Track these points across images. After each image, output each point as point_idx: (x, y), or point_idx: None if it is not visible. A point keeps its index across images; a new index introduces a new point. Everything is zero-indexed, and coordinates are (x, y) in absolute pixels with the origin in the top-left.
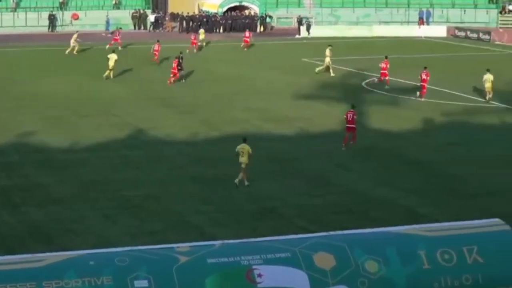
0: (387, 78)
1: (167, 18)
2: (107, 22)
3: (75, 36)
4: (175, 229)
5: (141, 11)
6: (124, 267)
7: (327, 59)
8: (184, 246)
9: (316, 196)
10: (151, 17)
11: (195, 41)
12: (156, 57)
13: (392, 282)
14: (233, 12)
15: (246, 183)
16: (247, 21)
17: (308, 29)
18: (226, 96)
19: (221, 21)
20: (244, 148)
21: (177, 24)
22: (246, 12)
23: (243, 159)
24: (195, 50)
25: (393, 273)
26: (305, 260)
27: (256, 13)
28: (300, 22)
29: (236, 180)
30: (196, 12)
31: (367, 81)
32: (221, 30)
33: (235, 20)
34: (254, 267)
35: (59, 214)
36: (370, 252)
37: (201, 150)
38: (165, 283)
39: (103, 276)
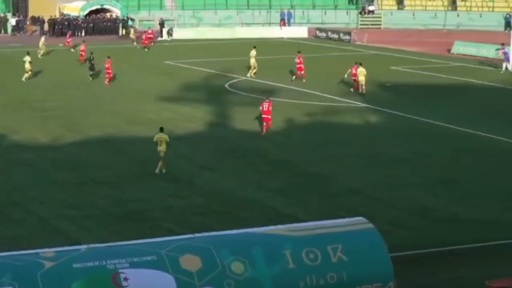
0: (303, 72)
1: (27, 22)
2: None
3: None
4: (40, 235)
5: (1, 15)
6: None
7: (253, 60)
8: (49, 251)
9: (182, 197)
10: (12, 21)
11: (69, 40)
12: (82, 58)
13: (258, 282)
14: (95, 15)
15: (164, 170)
16: (109, 24)
17: (170, 31)
18: (89, 100)
19: (83, 25)
20: (162, 137)
21: (38, 27)
22: (108, 15)
23: (162, 148)
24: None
25: (259, 273)
26: (172, 263)
27: (118, 16)
28: (162, 25)
29: (157, 170)
30: (58, 16)
31: (230, 82)
32: (83, 34)
33: (97, 23)
34: (120, 270)
35: None
36: (236, 253)
37: (65, 154)
38: None
39: None
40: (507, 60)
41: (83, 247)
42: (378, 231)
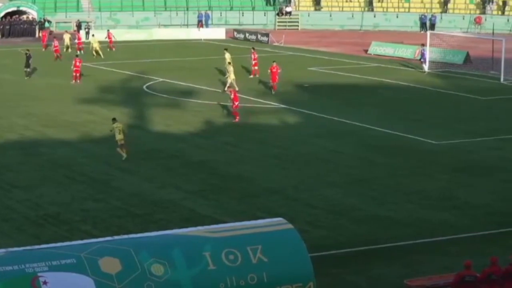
0: (256, 68)
1: None
2: None
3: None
4: None
5: None
6: None
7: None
8: None
9: (99, 200)
10: None
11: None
12: (58, 54)
13: (179, 284)
14: (11, 17)
15: (125, 156)
16: (25, 26)
17: (87, 33)
18: (4, 101)
19: None
20: (117, 126)
21: None
22: (24, 17)
23: (120, 137)
24: None
25: (179, 275)
26: (91, 265)
27: (35, 18)
28: (79, 27)
29: (124, 158)
30: None
31: (148, 84)
32: None
33: (13, 26)
34: (39, 274)
35: None
36: (155, 255)
37: None
38: None
39: None
40: (424, 60)
41: (1, 251)
42: (297, 232)
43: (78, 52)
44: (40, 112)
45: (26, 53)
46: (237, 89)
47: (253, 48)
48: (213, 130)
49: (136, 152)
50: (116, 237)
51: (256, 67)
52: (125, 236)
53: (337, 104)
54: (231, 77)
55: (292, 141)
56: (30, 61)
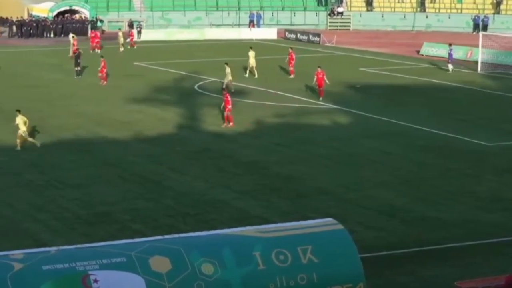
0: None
1: None
2: None
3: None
4: (9, 237)
5: None
6: None
7: (252, 60)
8: (18, 253)
9: (150, 199)
10: None
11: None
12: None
13: (228, 284)
14: (63, 17)
15: (18, 148)
16: (77, 25)
17: (139, 33)
18: (58, 100)
19: (51, 26)
20: (22, 118)
21: (7, 29)
22: (77, 16)
23: (23, 129)
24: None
25: (229, 275)
26: (141, 264)
27: (87, 17)
28: (131, 26)
29: (38, 145)
30: (26, 17)
31: (200, 83)
32: (52, 35)
33: (66, 25)
34: (90, 272)
35: None
36: (205, 254)
37: (33, 156)
38: None
39: None
40: (451, 60)
41: (53, 249)
42: (348, 232)
43: (94, 50)
44: (91, 111)
45: (75, 53)
46: (233, 90)
47: (291, 48)
48: (264, 130)
49: (188, 152)
50: (166, 236)
51: (291, 67)
52: (176, 235)
53: (387, 105)
54: (228, 77)
55: (342, 142)
56: (79, 60)
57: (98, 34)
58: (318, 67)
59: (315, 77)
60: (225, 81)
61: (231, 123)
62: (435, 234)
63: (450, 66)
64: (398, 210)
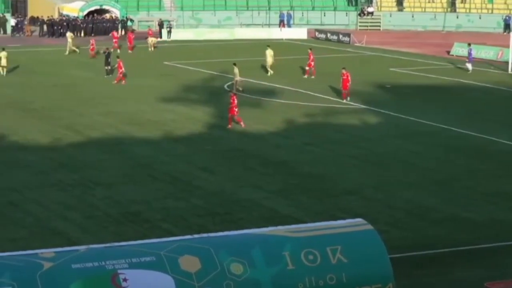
0: (312, 68)
1: (26, 22)
2: None
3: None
4: (39, 236)
5: (1, 15)
6: None
7: (270, 59)
8: (48, 252)
9: (180, 199)
10: (12, 21)
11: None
12: (92, 53)
13: (258, 283)
14: (93, 16)
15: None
16: (108, 24)
17: (169, 32)
18: (88, 100)
19: (82, 25)
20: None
21: (37, 28)
22: (107, 15)
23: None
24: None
25: (258, 274)
26: (171, 264)
27: (117, 17)
28: (161, 25)
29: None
30: (56, 16)
31: (229, 83)
32: (82, 34)
33: (96, 24)
34: (119, 271)
35: None
36: (235, 254)
37: (63, 155)
38: None
39: None
40: (470, 60)
41: (82, 247)
42: (377, 232)
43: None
44: (121, 110)
45: (105, 52)
46: (241, 89)
47: (310, 49)
48: (294, 130)
49: (217, 151)
50: (196, 236)
51: (311, 67)
52: (205, 235)
53: (417, 105)
54: (236, 78)
55: (372, 142)
56: (109, 60)
57: (131, 35)
58: (343, 68)
59: (341, 78)
60: (236, 80)
61: (242, 124)
62: (465, 235)
63: (469, 66)
64: (428, 210)
